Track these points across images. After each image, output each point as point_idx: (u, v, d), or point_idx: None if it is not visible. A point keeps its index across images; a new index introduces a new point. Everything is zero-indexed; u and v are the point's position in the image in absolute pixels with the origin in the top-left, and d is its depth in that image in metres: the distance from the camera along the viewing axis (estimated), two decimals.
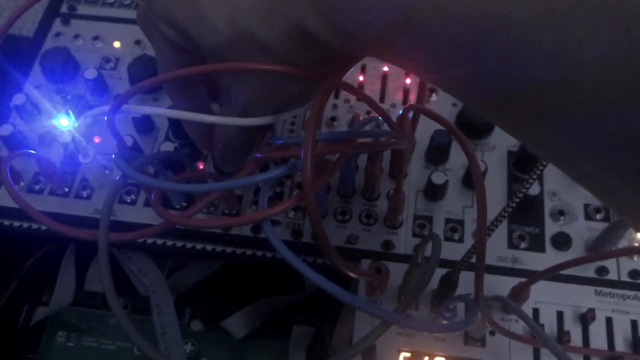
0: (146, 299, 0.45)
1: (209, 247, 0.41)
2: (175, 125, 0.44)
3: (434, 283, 0.37)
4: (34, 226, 0.42)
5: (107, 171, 0.42)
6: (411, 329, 0.36)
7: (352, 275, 0.29)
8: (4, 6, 0.65)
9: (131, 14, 0.50)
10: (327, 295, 0.44)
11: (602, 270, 0.39)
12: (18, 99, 0.44)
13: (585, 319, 0.37)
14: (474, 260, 0.34)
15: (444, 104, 0.45)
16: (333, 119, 0.45)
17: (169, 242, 0.41)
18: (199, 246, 0.41)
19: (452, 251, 0.39)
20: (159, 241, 0.41)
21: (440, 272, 0.37)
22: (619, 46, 0.15)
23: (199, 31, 0.25)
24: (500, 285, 0.38)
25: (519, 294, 0.35)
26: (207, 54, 0.26)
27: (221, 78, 0.28)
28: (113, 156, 0.33)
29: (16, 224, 0.42)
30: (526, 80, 0.17)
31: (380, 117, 0.32)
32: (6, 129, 0.42)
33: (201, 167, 0.42)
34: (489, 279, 0.38)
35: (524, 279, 0.36)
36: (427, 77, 0.21)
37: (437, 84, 0.22)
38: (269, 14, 0.23)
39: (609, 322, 0.37)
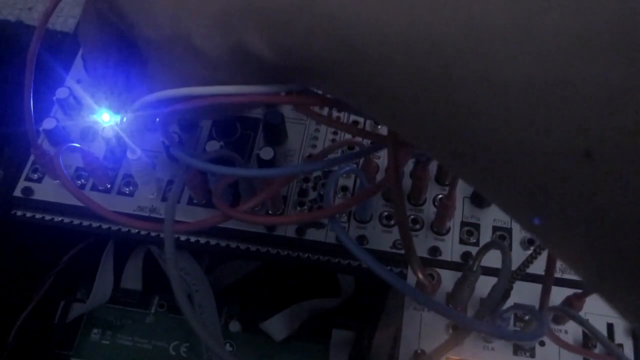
0: None
1: (252, 248, 0.40)
2: (219, 124, 0.44)
3: (482, 291, 0.37)
4: (75, 222, 0.41)
5: (153, 168, 0.41)
6: (489, 335, 0.35)
7: (421, 277, 0.29)
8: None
9: None
10: (365, 300, 0.44)
11: None
12: (61, 93, 0.43)
13: (637, 331, 0.36)
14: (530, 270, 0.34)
15: None
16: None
17: (213, 241, 0.40)
18: (242, 246, 0.40)
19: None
20: (202, 240, 0.40)
21: (490, 280, 0.36)
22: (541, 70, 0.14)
23: (138, 16, 0.25)
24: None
25: (574, 304, 0.35)
26: (138, 37, 0.26)
27: (148, 59, 0.27)
28: (170, 149, 0.32)
29: (57, 218, 0.41)
30: (445, 101, 0.17)
31: None
32: (50, 123, 0.42)
33: None
34: (535, 288, 0.38)
35: (572, 289, 0.36)
36: (368, 106, 0.21)
37: (374, 112, 0.21)
38: (212, 24, 0.23)
39: None
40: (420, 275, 0.30)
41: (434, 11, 0.17)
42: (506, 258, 0.28)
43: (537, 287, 0.37)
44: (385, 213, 0.41)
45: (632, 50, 0.13)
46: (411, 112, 0.18)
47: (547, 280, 0.30)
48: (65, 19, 0.63)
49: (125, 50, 0.33)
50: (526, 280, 0.38)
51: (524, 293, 0.38)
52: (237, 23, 0.22)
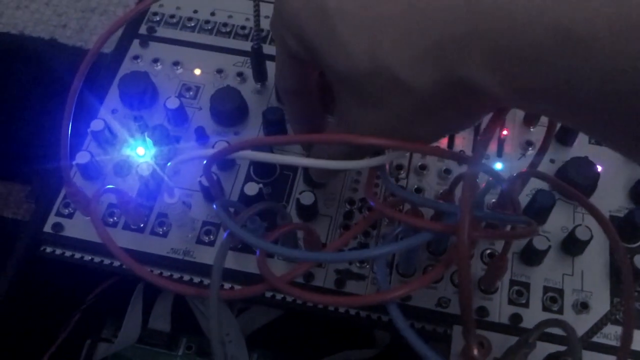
0: None
1: (289, 298, 0.38)
2: (257, 164, 0.42)
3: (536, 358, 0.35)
4: (106, 261, 0.40)
5: (188, 208, 0.40)
6: None
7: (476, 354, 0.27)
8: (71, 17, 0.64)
9: (212, 40, 0.48)
10: (402, 352, 0.42)
11: None
12: (96, 125, 0.42)
13: None
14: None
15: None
16: (423, 167, 0.42)
17: None
18: (278, 296, 0.38)
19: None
20: (237, 287, 0.39)
21: (541, 346, 0.34)
22: None
23: (330, 54, 0.24)
24: None
25: None
26: (332, 75, 0.25)
27: (343, 100, 0.26)
28: (214, 207, 0.31)
29: (87, 257, 0.40)
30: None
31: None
32: (84, 157, 0.40)
33: None
34: (591, 357, 0.36)
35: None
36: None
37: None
38: (420, 57, 0.21)
39: None
40: (475, 352, 0.28)
41: None
42: (575, 347, 0.26)
43: (590, 356, 0.35)
44: (430, 267, 0.39)
45: None
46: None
47: (622, 354, 0.27)
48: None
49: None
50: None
51: None
52: (453, 53, 0.20)
